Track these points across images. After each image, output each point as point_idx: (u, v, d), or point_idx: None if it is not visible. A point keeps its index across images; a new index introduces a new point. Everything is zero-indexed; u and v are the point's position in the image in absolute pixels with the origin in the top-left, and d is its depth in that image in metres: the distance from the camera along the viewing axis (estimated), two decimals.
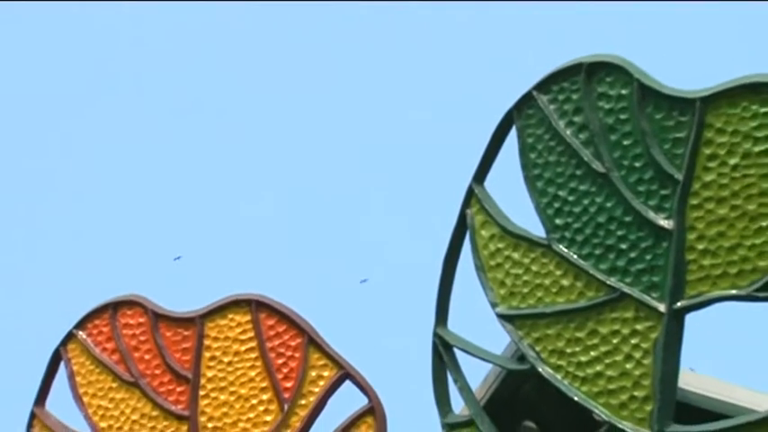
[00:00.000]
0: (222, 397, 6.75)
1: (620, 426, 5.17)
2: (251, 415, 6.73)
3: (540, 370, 5.27)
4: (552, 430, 5.46)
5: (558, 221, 5.21)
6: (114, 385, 6.90)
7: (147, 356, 6.86)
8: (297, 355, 6.70)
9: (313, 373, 6.67)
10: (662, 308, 5.08)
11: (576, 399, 5.23)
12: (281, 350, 6.71)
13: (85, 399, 6.94)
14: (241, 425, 6.75)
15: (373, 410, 6.69)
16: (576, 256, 5.17)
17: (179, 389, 6.81)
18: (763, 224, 4.92)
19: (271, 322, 6.72)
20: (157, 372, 6.85)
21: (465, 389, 5.49)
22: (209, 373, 6.76)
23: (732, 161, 4.97)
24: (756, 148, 4.92)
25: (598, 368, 5.19)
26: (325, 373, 6.67)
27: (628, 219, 5.11)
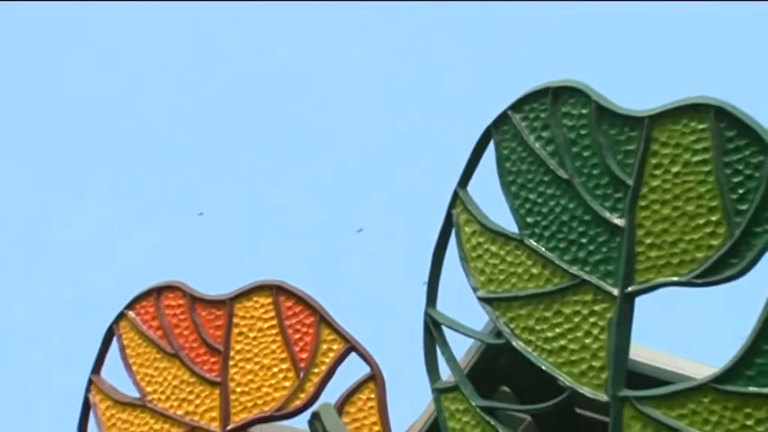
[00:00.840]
0: (248, 366, 6.77)
1: (580, 390, 5.16)
2: (272, 381, 6.76)
3: (514, 344, 5.27)
4: (524, 395, 5.45)
5: (528, 220, 5.22)
6: (158, 356, 6.93)
7: (185, 332, 6.90)
8: (311, 331, 6.73)
9: (324, 347, 6.70)
10: (615, 292, 5.08)
11: (543, 368, 5.23)
12: (298, 327, 6.74)
13: (134, 368, 6.96)
14: (264, 389, 6.77)
15: (374, 377, 6.71)
16: (543, 249, 5.18)
17: (212, 359, 6.85)
18: (700, 222, 4.93)
19: (289, 304, 6.76)
20: (194, 345, 6.88)
21: (451, 360, 5.48)
22: (238, 347, 6.79)
23: (674, 169, 4.97)
24: (695, 159, 4.93)
25: (562, 342, 5.18)
26: (335, 347, 6.70)
27: (587, 218, 5.11)
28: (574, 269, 5.14)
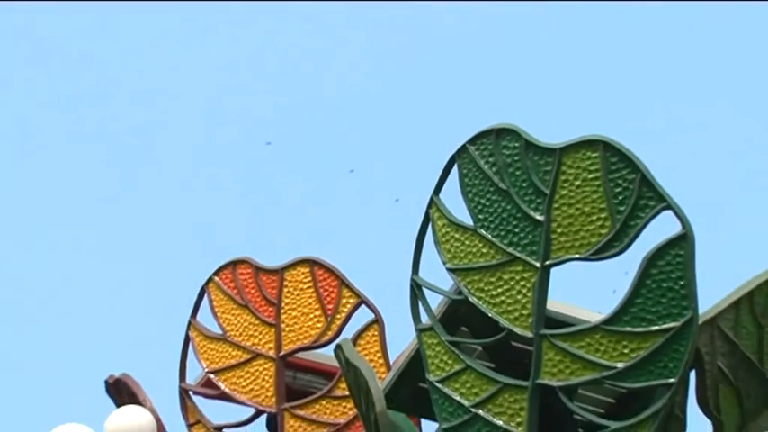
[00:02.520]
0: (293, 313, 6.87)
1: (514, 330, 5.21)
2: (309, 323, 6.86)
3: (470, 299, 5.32)
4: (477, 333, 5.48)
5: (480, 216, 5.29)
6: (234, 306, 7.00)
7: (252, 291, 6.98)
8: (335, 290, 6.85)
9: (344, 301, 6.80)
10: (537, 264, 5.16)
11: (489, 314, 5.27)
12: (326, 287, 6.86)
13: (218, 314, 7.06)
14: (304, 329, 6.86)
15: (377, 321, 6.80)
16: (490, 236, 5.26)
17: (269, 309, 6.93)
18: (594, 218, 5.02)
19: (320, 272, 6.87)
20: (258, 299, 6.96)
21: (428, 310, 5.53)
22: (286, 300, 6.89)
23: (576, 183, 5.06)
24: (590, 176, 5.02)
25: (502, 298, 5.24)
26: (351, 301, 6.82)
27: (519, 215, 5.18)
28: (510, 249, 5.21)
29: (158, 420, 6.54)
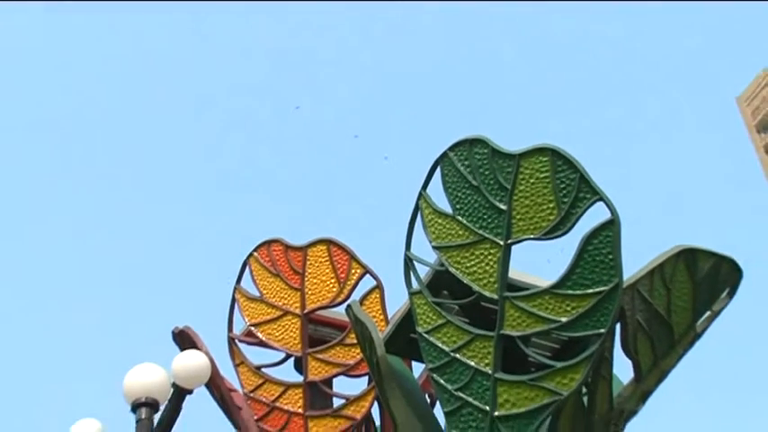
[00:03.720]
0: (315, 281, 6.88)
1: (483, 293, 5.24)
2: (326, 288, 6.86)
3: (450, 269, 5.35)
4: (455, 295, 5.48)
5: (457, 206, 5.32)
6: (269, 275, 7.03)
7: (282, 263, 7.01)
8: (346, 263, 6.89)
9: (353, 271, 6.81)
10: (501, 243, 5.15)
11: (464, 281, 5.28)
12: (339, 261, 6.90)
13: (257, 281, 7.12)
14: (322, 293, 6.85)
15: (378, 287, 6.77)
16: (465, 221, 5.29)
17: (296, 277, 6.91)
18: (544, 207, 5.08)
19: (335, 249, 6.90)
20: (287, 270, 6.98)
21: (418, 278, 5.56)
22: (309, 271, 6.91)
23: (531, 180, 5.09)
24: (542, 175, 5.07)
25: (475, 268, 5.28)
26: (358, 271, 6.85)
27: (487, 205, 5.20)
28: (480, 231, 5.22)
29: (212, 361, 6.55)
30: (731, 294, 5.64)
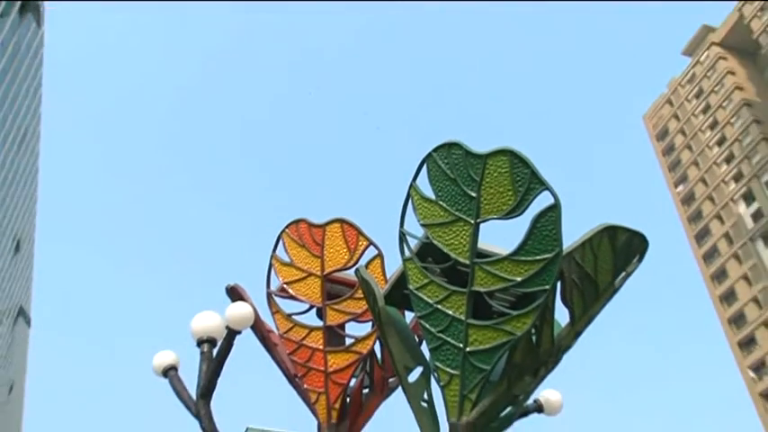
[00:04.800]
0: (331, 250, 6.84)
1: (458, 259, 5.23)
2: (340, 256, 6.82)
3: (434, 242, 5.33)
4: (437, 261, 5.46)
5: (439, 194, 5.30)
6: (297, 246, 7.01)
7: (307, 237, 6.96)
8: (355, 237, 6.84)
9: (360, 243, 6.77)
10: (473, 222, 5.15)
11: (444, 251, 5.28)
12: (350, 235, 6.84)
13: (288, 250, 7.08)
14: (337, 259, 6.81)
15: (379, 255, 6.74)
16: (445, 204, 5.28)
17: (317, 247, 6.89)
18: (505, 195, 5.02)
19: (347, 226, 6.85)
20: (310, 242, 6.94)
21: (409, 248, 5.56)
22: (327, 242, 6.86)
23: (494, 174, 5.07)
24: (503, 171, 5.02)
25: (452, 242, 5.26)
26: (364, 243, 6.82)
27: (462, 193, 5.18)
28: (456, 213, 5.20)
29: (255, 310, 6.59)
30: (640, 260, 5.68)
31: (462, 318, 5.22)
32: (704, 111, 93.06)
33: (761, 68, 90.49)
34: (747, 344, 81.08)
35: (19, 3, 41.33)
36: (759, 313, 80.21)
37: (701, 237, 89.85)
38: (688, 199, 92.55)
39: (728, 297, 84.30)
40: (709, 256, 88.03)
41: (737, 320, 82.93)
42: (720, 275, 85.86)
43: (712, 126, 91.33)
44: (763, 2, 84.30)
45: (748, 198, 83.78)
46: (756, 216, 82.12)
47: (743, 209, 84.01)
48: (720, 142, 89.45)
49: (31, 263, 65.65)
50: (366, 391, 6.75)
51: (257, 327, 6.80)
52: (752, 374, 79.90)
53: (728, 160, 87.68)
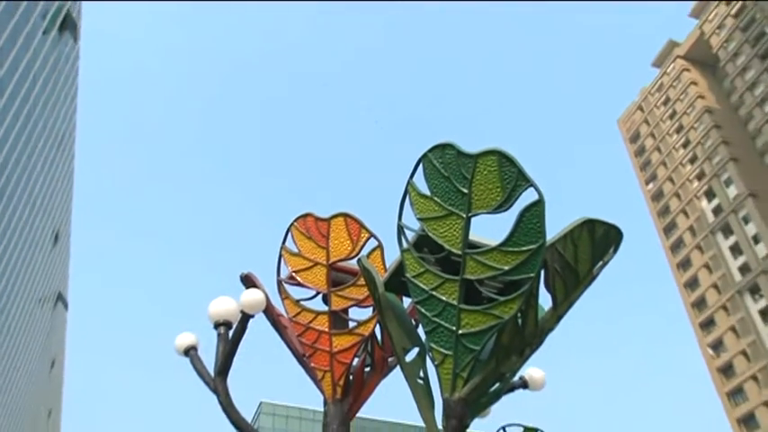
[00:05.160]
0: (336, 242, 6.69)
1: (452, 250, 5.14)
2: (343, 246, 6.67)
3: (429, 234, 5.24)
4: (432, 252, 5.37)
5: (434, 190, 5.21)
6: (305, 238, 6.85)
7: (312, 229, 6.81)
8: (357, 229, 6.67)
9: (362, 234, 6.64)
10: (465, 216, 5.05)
11: (439, 242, 5.20)
12: (353, 228, 6.67)
13: (296, 242, 6.90)
14: (341, 249, 6.68)
15: (380, 246, 6.64)
16: (440, 200, 5.17)
17: (323, 239, 6.76)
18: (493, 191, 4.91)
19: (350, 220, 6.69)
20: (317, 234, 6.79)
21: (407, 240, 5.47)
22: (332, 235, 6.71)
23: (485, 173, 4.97)
24: (492, 169, 4.93)
25: (446, 234, 5.17)
26: (366, 235, 6.66)
27: (455, 189, 5.08)
28: (450, 208, 5.11)
29: (266, 296, 6.52)
30: (615, 250, 5.59)
31: (455, 303, 5.14)
32: (671, 116, 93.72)
33: (719, 79, 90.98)
34: (707, 325, 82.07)
35: (59, 21, 41.85)
36: (718, 298, 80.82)
37: (668, 229, 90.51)
38: (657, 195, 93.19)
39: (692, 284, 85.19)
40: (675, 247, 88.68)
41: (699, 304, 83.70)
42: (685, 264, 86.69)
43: (678, 130, 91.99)
44: (721, 20, 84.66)
45: (709, 195, 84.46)
46: (717, 211, 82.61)
47: (705, 204, 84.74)
48: (685, 145, 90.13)
49: (68, 253, 65.79)
50: (367, 369, 6.66)
51: (269, 311, 6.70)
52: (711, 352, 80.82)
53: (692, 161, 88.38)
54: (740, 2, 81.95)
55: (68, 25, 44.18)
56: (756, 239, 75.51)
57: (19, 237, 41.42)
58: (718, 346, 79.26)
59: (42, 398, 67.67)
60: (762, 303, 73.55)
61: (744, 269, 76.58)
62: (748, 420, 72.90)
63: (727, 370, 77.39)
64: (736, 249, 78.04)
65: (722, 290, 79.34)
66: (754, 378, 73.62)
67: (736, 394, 75.69)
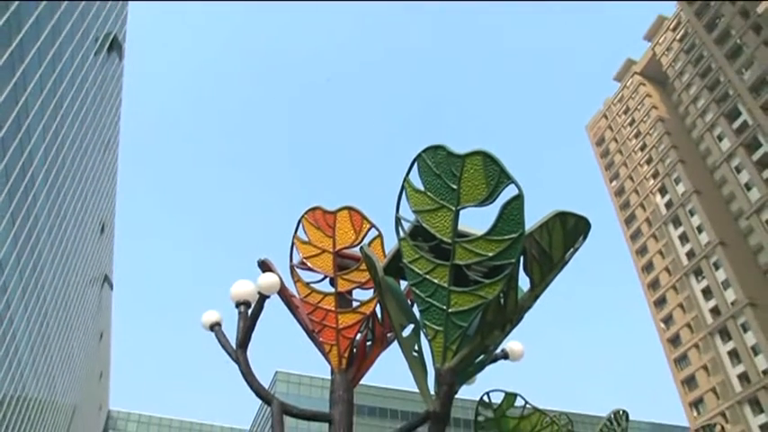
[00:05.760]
0: (341, 232, 6.52)
1: (443, 239, 5.02)
2: (347, 236, 6.51)
3: (423, 225, 5.07)
4: (426, 240, 5.22)
5: (427, 186, 5.03)
6: (314, 228, 6.66)
7: (321, 221, 6.63)
8: (360, 221, 6.49)
9: (364, 225, 6.47)
10: (454, 209, 4.89)
11: (431, 231, 5.05)
12: (356, 219, 6.50)
13: (306, 232, 6.70)
14: (345, 239, 6.52)
15: (379, 235, 6.48)
16: (432, 195, 5.00)
17: (330, 229, 6.58)
18: (479, 187, 4.76)
19: (353, 213, 6.52)
20: (324, 225, 6.62)
21: (404, 230, 5.31)
22: (338, 225, 6.53)
23: (471, 171, 4.79)
24: (477, 168, 4.76)
25: (437, 224, 5.02)
26: (367, 226, 6.49)
27: (445, 186, 4.92)
28: (441, 201, 4.95)
29: (280, 279, 6.39)
30: (584, 238, 5.42)
31: (445, 285, 5.00)
32: (630, 124, 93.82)
33: (669, 93, 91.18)
34: (660, 302, 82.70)
35: (107, 44, 42.21)
36: (668, 279, 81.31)
37: (629, 221, 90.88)
38: (619, 191, 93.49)
39: (648, 267, 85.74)
40: (634, 236, 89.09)
41: (654, 285, 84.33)
42: (643, 251, 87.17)
43: (637, 136, 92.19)
44: (669, 44, 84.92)
45: (663, 191, 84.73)
46: (668, 205, 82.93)
47: (659, 199, 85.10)
48: (642, 148, 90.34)
49: (113, 240, 65.88)
50: (369, 343, 6.54)
51: (282, 292, 6.56)
52: (662, 325, 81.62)
53: (648, 162, 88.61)
54: (684, 29, 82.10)
55: (115, 46, 44.47)
56: (700, 230, 75.91)
57: (72, 227, 41.51)
58: (668, 320, 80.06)
59: (94, 364, 68.04)
60: (703, 284, 74.15)
61: (690, 254, 76.89)
62: (690, 381, 74.54)
63: (674, 340, 78.28)
64: (683, 238, 78.39)
65: (672, 272, 79.86)
66: (696, 346, 74.81)
67: (681, 360, 76.93)
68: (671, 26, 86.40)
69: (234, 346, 6.05)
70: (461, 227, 4.98)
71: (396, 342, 5.89)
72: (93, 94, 40.69)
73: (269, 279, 6.10)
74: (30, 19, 26.33)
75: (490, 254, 4.82)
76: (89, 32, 36.52)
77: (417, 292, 5.14)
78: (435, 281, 5.05)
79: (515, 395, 7.70)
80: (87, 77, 38.08)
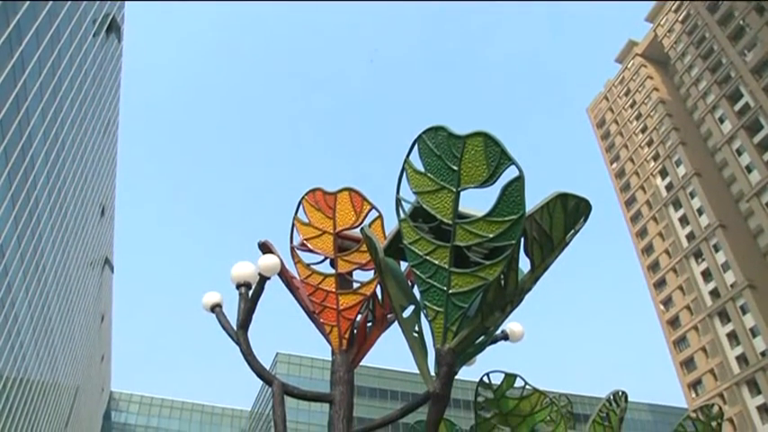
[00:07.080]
0: (341, 213, 6.54)
1: (444, 220, 5.01)
2: (348, 217, 6.51)
3: (424, 206, 5.07)
4: (426, 221, 5.23)
5: (428, 167, 5.01)
6: (314, 209, 6.66)
7: (322, 202, 6.63)
8: (360, 202, 6.49)
9: (364, 206, 6.47)
10: (455, 190, 4.88)
11: (432, 212, 5.05)
12: (356, 200, 6.50)
13: (307, 213, 6.71)
14: (346, 220, 6.52)
15: (380, 217, 6.47)
16: (433, 176, 4.98)
17: (330, 210, 6.58)
18: (479, 168, 4.75)
19: (353, 193, 6.51)
20: (324, 206, 6.62)
21: (404, 211, 5.30)
22: (338, 206, 6.53)
23: (473, 152, 4.78)
24: (478, 149, 4.74)
25: (438, 205, 5.01)
26: (367, 207, 6.49)
27: (446, 167, 4.90)
28: (441, 182, 4.92)
29: (281, 260, 6.38)
30: (585, 220, 5.41)
31: (446, 266, 5.00)
32: (631, 106, 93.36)
33: (671, 75, 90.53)
34: (660, 285, 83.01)
35: (106, 25, 41.90)
36: (668, 261, 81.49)
37: (629, 203, 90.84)
38: (620, 173, 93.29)
39: (648, 249, 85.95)
40: (634, 218, 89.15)
41: (654, 267, 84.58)
42: (643, 232, 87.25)
43: (637, 118, 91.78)
44: (671, 25, 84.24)
45: (663, 173, 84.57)
46: (669, 187, 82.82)
47: (659, 181, 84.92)
48: (643, 130, 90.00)
49: (113, 223, 65.91)
50: (369, 324, 6.56)
51: (283, 274, 6.56)
52: (662, 307, 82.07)
53: (649, 144, 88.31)
54: (686, 10, 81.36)
55: (113, 28, 44.14)
56: (700, 212, 75.94)
57: (72, 210, 41.47)
58: (668, 302, 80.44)
59: (95, 346, 68.38)
60: (703, 266, 74.39)
61: (690, 237, 77.00)
62: (688, 363, 75.01)
63: (674, 322, 78.65)
64: (684, 220, 78.47)
65: (672, 255, 79.95)
66: (695, 328, 75.20)
67: (680, 342, 77.38)
68: (673, 7, 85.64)
69: (235, 328, 6.07)
70: (462, 208, 4.96)
71: (396, 323, 5.90)
72: (93, 75, 40.48)
73: (269, 260, 6.09)
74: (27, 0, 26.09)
75: (491, 235, 4.81)
76: (87, 13, 36.25)
77: (418, 273, 5.14)
78: (436, 262, 5.04)
79: (515, 376, 7.73)
80: (86, 59, 37.85)
